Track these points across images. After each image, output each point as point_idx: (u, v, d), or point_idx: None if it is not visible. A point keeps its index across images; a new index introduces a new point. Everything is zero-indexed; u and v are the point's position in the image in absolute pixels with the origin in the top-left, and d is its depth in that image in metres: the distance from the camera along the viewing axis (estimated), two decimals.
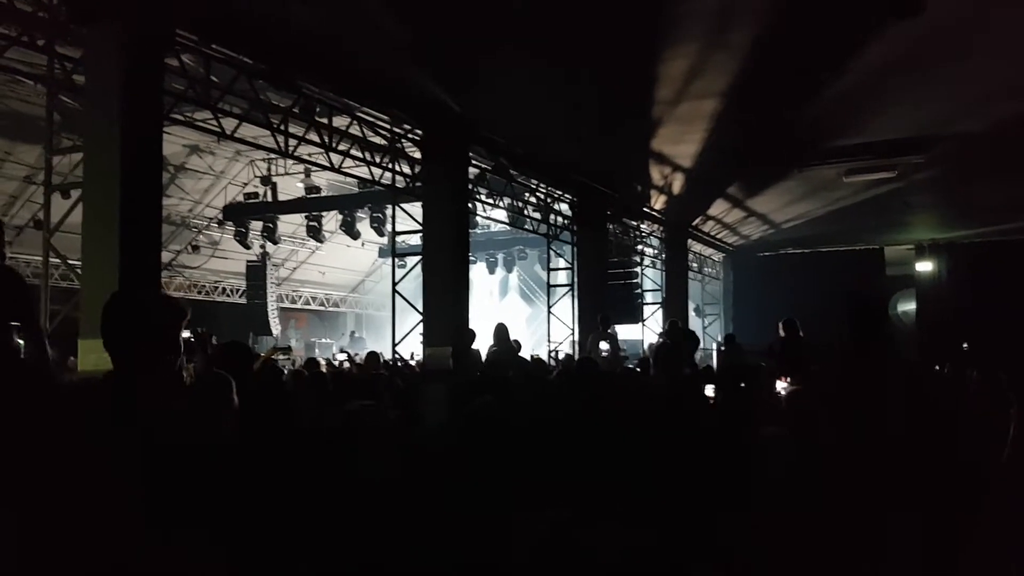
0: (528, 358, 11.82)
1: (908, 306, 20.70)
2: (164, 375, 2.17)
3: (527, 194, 15.53)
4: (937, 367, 8.40)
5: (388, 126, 11.99)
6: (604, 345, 11.95)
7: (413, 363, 12.74)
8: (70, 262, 8.58)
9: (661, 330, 16.88)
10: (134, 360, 2.10)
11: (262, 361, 8.27)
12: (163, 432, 2.04)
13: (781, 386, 7.10)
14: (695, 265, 23.26)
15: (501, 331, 9.55)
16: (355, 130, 11.41)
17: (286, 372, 8.55)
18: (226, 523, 2.06)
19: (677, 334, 11.33)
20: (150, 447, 1.97)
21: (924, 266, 19.91)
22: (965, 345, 7.74)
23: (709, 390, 5.91)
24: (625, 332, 17.80)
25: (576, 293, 16.42)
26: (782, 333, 9.10)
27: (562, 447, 3.97)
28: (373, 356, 10.53)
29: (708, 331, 24.19)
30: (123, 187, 6.74)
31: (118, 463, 1.94)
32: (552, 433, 4.17)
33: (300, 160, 12.11)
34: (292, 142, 10.63)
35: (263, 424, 3.78)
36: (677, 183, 15.69)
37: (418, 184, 12.41)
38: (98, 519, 1.88)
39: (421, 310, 11.98)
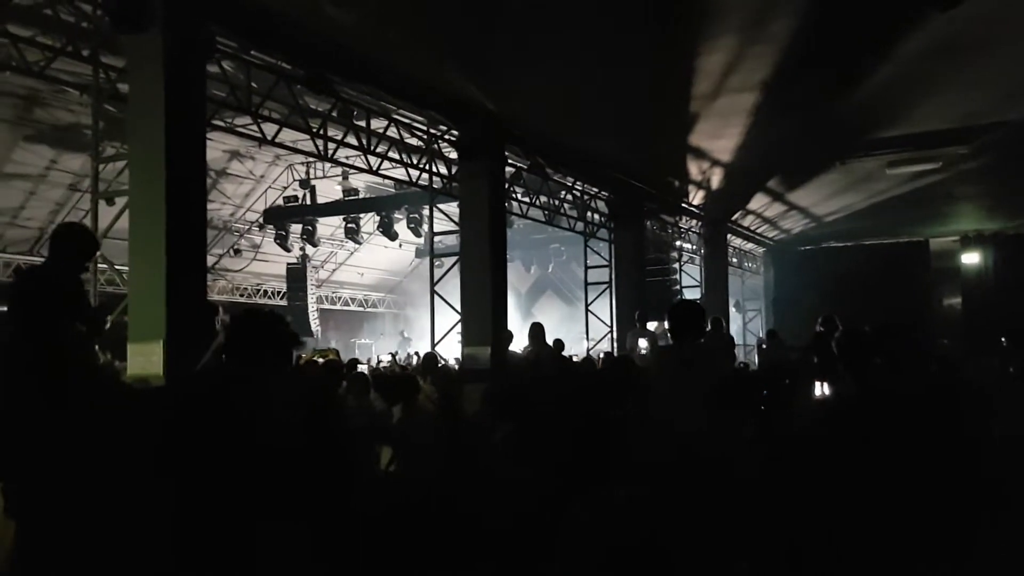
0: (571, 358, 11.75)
1: (953, 299, 20.32)
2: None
3: (563, 192, 15.49)
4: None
5: (424, 127, 12.04)
6: (643, 342, 11.86)
7: (453, 363, 12.78)
8: (117, 267, 8.75)
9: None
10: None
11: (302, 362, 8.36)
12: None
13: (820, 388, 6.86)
14: (734, 260, 23.00)
15: (537, 331, 9.50)
16: (392, 132, 11.48)
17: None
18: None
19: (719, 332, 11.18)
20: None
21: (970, 258, 19.48)
22: (1003, 340, 7.51)
23: None
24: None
25: (614, 291, 16.35)
26: (820, 330, 8.45)
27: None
28: (431, 358, 9.82)
29: (749, 327, 23.94)
30: (169, 193, 6.83)
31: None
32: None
33: (338, 163, 12.22)
34: (331, 146, 10.72)
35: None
36: (716, 178, 15.53)
37: (454, 184, 12.45)
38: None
39: (459, 310, 12.02)
